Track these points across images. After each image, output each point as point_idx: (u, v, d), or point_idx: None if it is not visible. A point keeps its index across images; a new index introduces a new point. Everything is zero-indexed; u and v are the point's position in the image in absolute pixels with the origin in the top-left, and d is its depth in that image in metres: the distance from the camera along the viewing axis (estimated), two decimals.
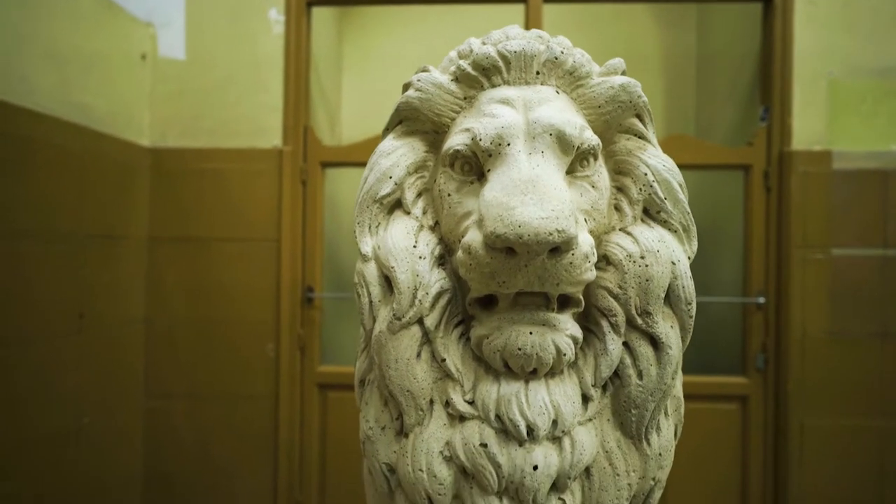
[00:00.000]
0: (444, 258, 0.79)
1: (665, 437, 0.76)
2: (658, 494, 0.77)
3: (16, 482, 1.71)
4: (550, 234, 0.65)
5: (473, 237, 0.71)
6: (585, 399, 0.75)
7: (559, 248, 0.66)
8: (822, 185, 2.27)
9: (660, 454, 0.75)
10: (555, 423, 0.71)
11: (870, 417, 2.25)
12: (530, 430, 0.71)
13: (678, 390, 0.81)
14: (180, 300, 2.36)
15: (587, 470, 0.74)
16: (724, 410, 2.35)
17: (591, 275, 0.72)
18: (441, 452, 0.73)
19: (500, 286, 0.70)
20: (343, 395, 2.43)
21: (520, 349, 0.71)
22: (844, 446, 2.25)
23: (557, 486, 0.72)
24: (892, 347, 2.23)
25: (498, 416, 0.72)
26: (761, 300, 2.30)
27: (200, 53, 2.39)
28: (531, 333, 0.71)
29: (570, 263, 0.68)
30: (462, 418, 0.73)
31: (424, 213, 0.82)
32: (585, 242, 0.71)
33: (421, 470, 0.73)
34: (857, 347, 2.25)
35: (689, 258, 0.79)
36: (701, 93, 2.96)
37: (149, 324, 2.35)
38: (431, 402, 0.74)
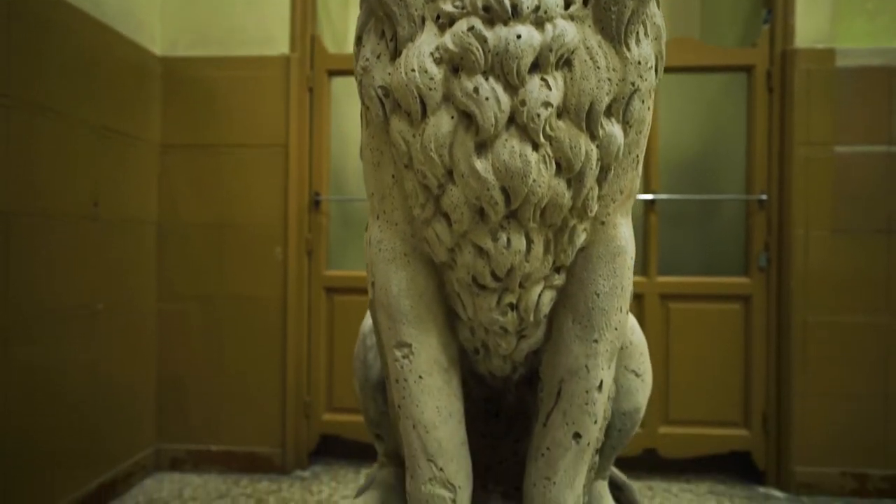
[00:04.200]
0: None
1: (645, 51, 0.79)
2: (637, 105, 0.80)
3: (35, 348, 1.78)
4: None
5: None
6: (567, 4, 0.78)
7: None
8: (826, 83, 2.27)
9: (639, 62, 0.78)
10: (538, 7, 0.75)
11: (874, 315, 2.25)
12: (514, 7, 0.74)
13: (659, 17, 0.83)
14: (191, 204, 2.42)
15: (569, 62, 0.77)
16: (727, 311, 2.37)
17: None
18: (432, 54, 0.77)
19: None
20: (349, 299, 2.48)
21: None
22: (848, 344, 2.26)
23: (540, 66, 0.76)
24: None
25: (485, 7, 0.76)
26: (764, 197, 2.31)
27: None
28: None
29: None
30: (452, 22, 0.77)
31: None
32: None
33: (413, 70, 0.77)
34: (860, 244, 2.25)
35: None
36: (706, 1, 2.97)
37: (161, 227, 2.42)
38: (423, 20, 0.79)
